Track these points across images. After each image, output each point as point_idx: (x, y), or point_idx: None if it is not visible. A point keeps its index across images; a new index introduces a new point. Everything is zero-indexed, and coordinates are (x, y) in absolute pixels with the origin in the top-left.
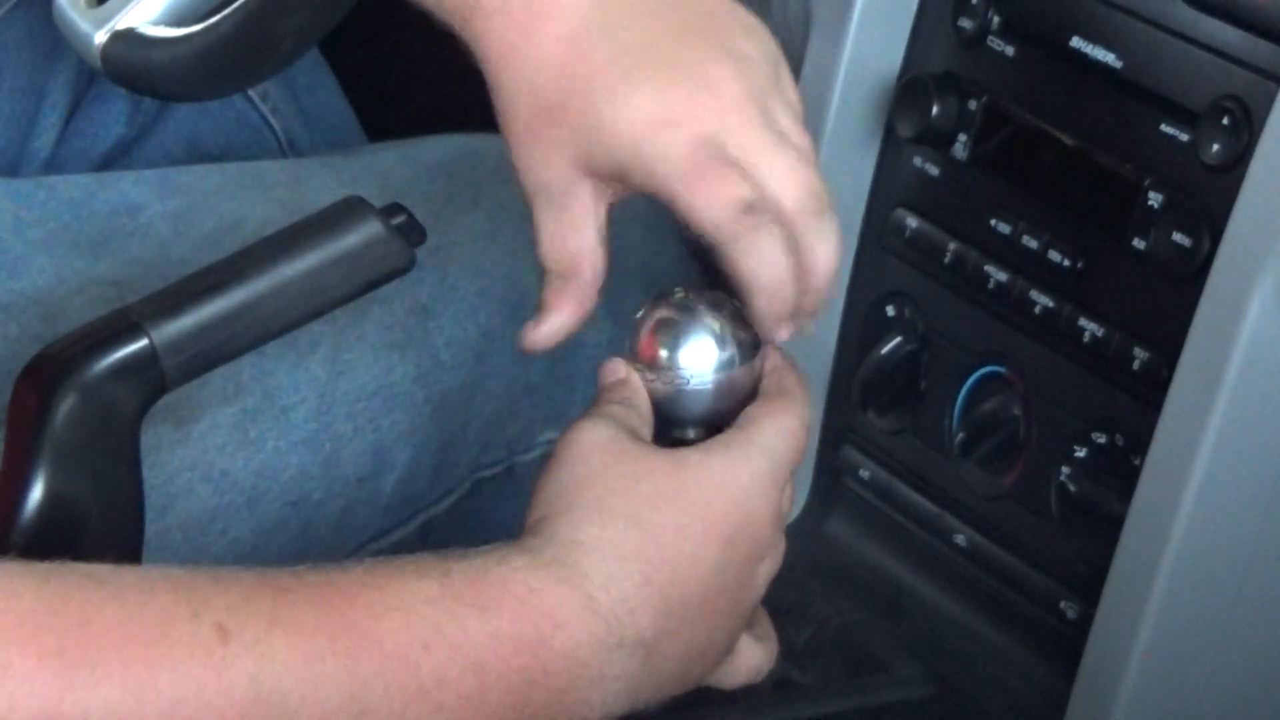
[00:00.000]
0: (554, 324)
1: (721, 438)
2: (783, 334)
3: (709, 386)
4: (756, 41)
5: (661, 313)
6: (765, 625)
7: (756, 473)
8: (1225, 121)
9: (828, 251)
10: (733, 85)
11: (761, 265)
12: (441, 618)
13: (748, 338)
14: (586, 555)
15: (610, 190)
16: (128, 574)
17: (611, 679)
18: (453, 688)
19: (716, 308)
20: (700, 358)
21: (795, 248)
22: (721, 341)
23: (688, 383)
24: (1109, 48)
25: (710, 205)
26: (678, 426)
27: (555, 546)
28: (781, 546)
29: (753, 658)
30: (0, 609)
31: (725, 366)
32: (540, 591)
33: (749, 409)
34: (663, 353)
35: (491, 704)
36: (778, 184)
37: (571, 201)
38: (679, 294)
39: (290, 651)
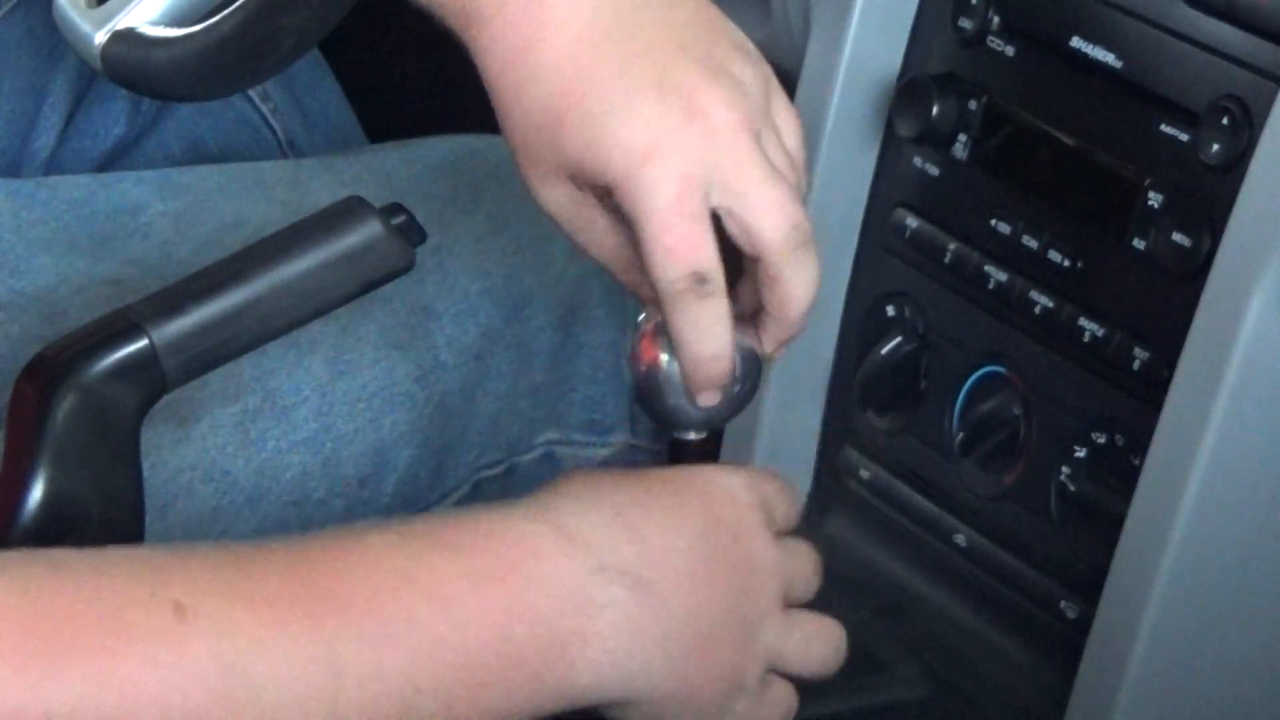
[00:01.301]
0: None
1: None
2: (708, 399)
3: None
4: (750, 65)
5: (661, 319)
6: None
7: (741, 483)
8: (1225, 121)
9: (806, 285)
10: (726, 113)
11: (698, 338)
12: (404, 562)
13: (747, 342)
14: (555, 497)
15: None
16: (85, 557)
17: (600, 605)
18: (425, 629)
19: None
20: None
21: (774, 280)
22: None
23: (686, 387)
24: (1109, 48)
25: (667, 264)
26: (678, 429)
27: (527, 499)
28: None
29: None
30: None
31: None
32: (510, 525)
33: None
34: (663, 356)
35: (471, 641)
36: (762, 220)
37: (591, 213)
38: None
39: (252, 622)
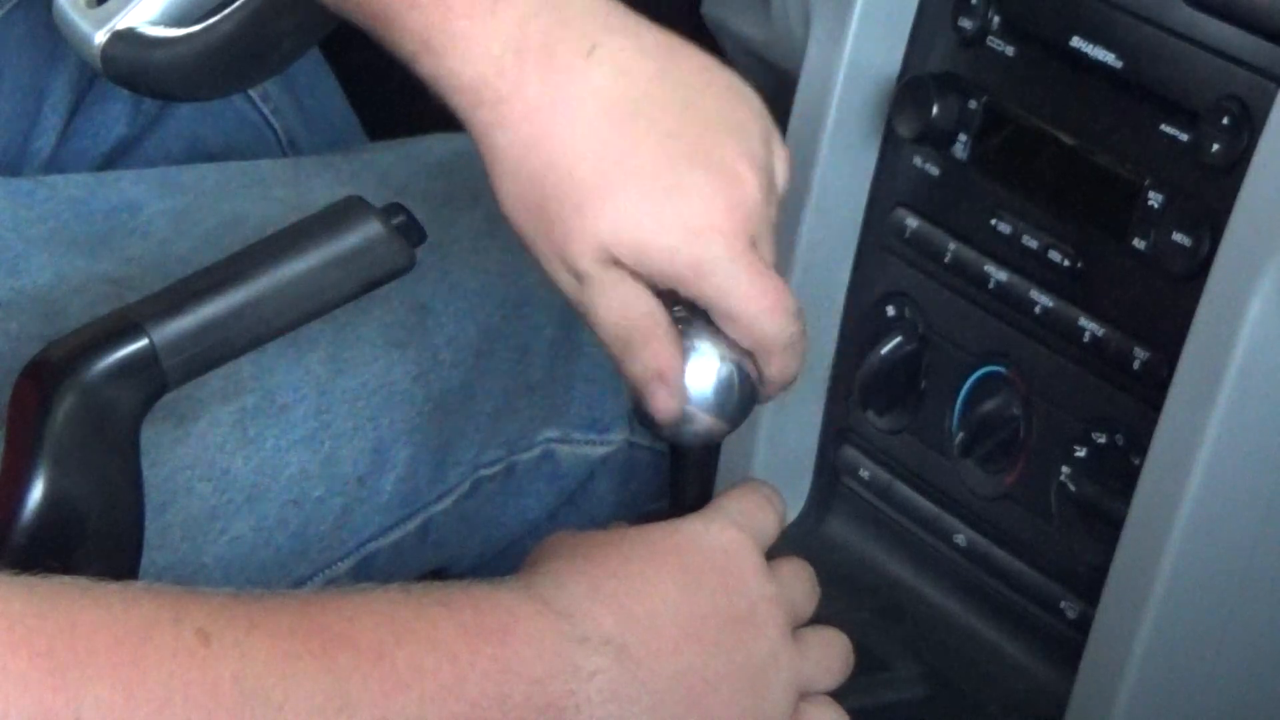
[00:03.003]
0: (671, 391)
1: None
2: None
3: (709, 400)
4: (753, 114)
5: None
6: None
7: (720, 526)
8: (1225, 121)
9: (795, 364)
10: (755, 181)
11: (798, 366)
12: (408, 614)
13: (743, 354)
14: (534, 572)
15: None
16: (110, 585)
17: (588, 673)
18: (431, 677)
19: (712, 324)
20: (700, 375)
21: (763, 360)
22: (719, 358)
23: (688, 399)
24: (1109, 48)
25: (776, 322)
26: (679, 442)
27: (509, 578)
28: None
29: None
30: None
31: (723, 382)
32: (496, 595)
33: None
34: None
35: (472, 692)
36: (760, 321)
37: (608, 272)
38: (678, 310)
39: (270, 651)
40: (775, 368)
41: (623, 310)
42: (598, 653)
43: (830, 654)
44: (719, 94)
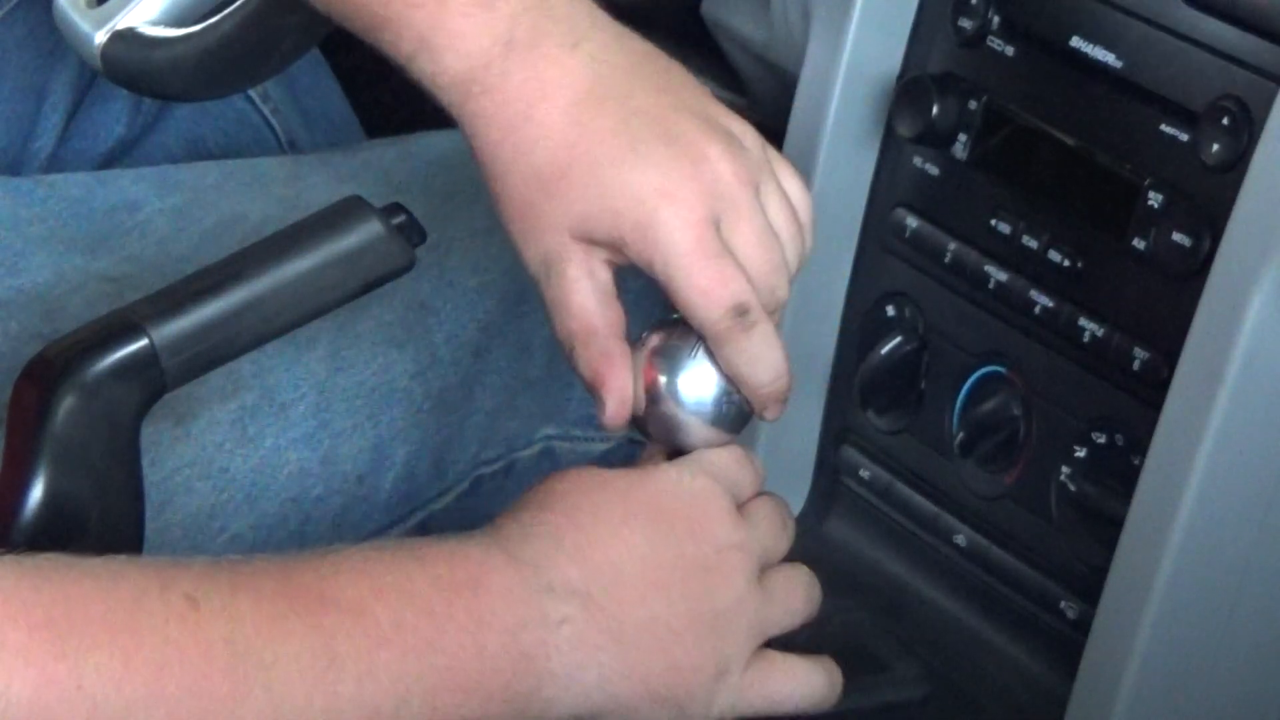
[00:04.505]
0: (612, 399)
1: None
2: (773, 414)
3: (706, 409)
4: (744, 123)
5: (661, 339)
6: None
7: (692, 474)
8: (1225, 121)
9: (755, 366)
10: (728, 164)
11: (754, 367)
12: (384, 569)
13: None
14: (502, 524)
15: (606, 255)
16: (94, 559)
17: (556, 621)
18: (411, 632)
19: None
20: (697, 384)
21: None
22: (716, 368)
23: (684, 407)
24: (1109, 48)
25: (708, 304)
26: (679, 449)
27: (480, 530)
28: (749, 556)
29: (800, 677)
30: None
31: (721, 392)
32: (465, 548)
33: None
34: (661, 378)
35: (450, 647)
36: (695, 301)
37: (568, 266)
38: (679, 318)
39: (256, 613)
40: (729, 364)
41: (572, 306)
42: (564, 601)
43: (793, 594)
44: (699, 94)
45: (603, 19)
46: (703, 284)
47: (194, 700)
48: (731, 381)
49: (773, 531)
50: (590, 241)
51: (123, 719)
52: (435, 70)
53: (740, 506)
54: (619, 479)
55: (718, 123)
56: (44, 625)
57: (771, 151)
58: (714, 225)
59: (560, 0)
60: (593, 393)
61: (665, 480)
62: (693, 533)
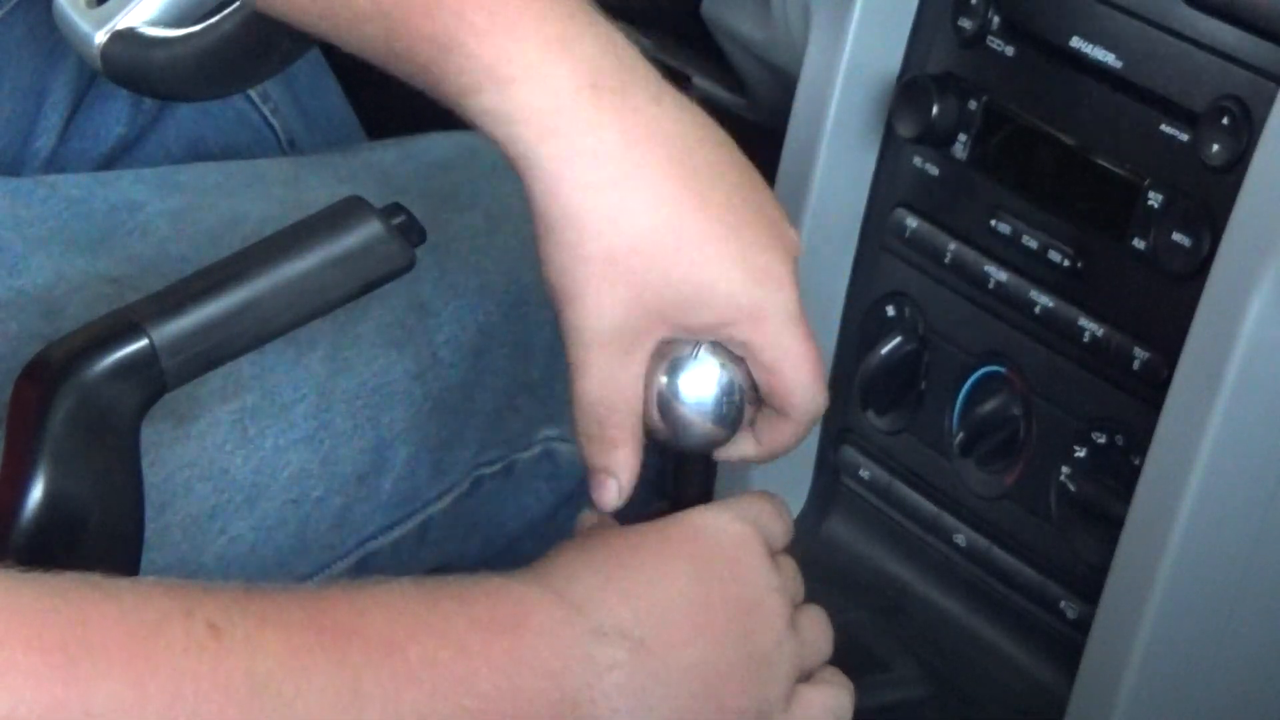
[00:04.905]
0: (622, 481)
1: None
2: None
3: (708, 408)
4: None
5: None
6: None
7: (730, 518)
8: (1225, 121)
9: (796, 440)
10: (795, 267)
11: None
12: (420, 608)
13: (741, 362)
14: (547, 565)
15: (667, 334)
16: (120, 580)
17: (604, 667)
18: (443, 670)
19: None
20: (699, 384)
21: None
22: (719, 365)
23: (686, 407)
24: (1109, 48)
25: (815, 389)
26: (679, 451)
27: (521, 570)
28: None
29: (832, 705)
30: (1, 610)
31: (723, 389)
32: (509, 587)
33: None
34: (662, 379)
35: (484, 686)
36: (800, 382)
37: (636, 347)
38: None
39: (281, 646)
40: (781, 435)
41: (622, 398)
42: (614, 645)
43: (819, 633)
44: (737, 152)
45: (657, 73)
46: (810, 368)
47: None
48: (742, 379)
49: (796, 578)
50: (672, 322)
51: None
52: (503, 105)
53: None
54: (655, 524)
55: (770, 193)
56: (57, 648)
57: None
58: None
59: (629, 49)
60: (594, 478)
61: (703, 523)
62: (735, 574)
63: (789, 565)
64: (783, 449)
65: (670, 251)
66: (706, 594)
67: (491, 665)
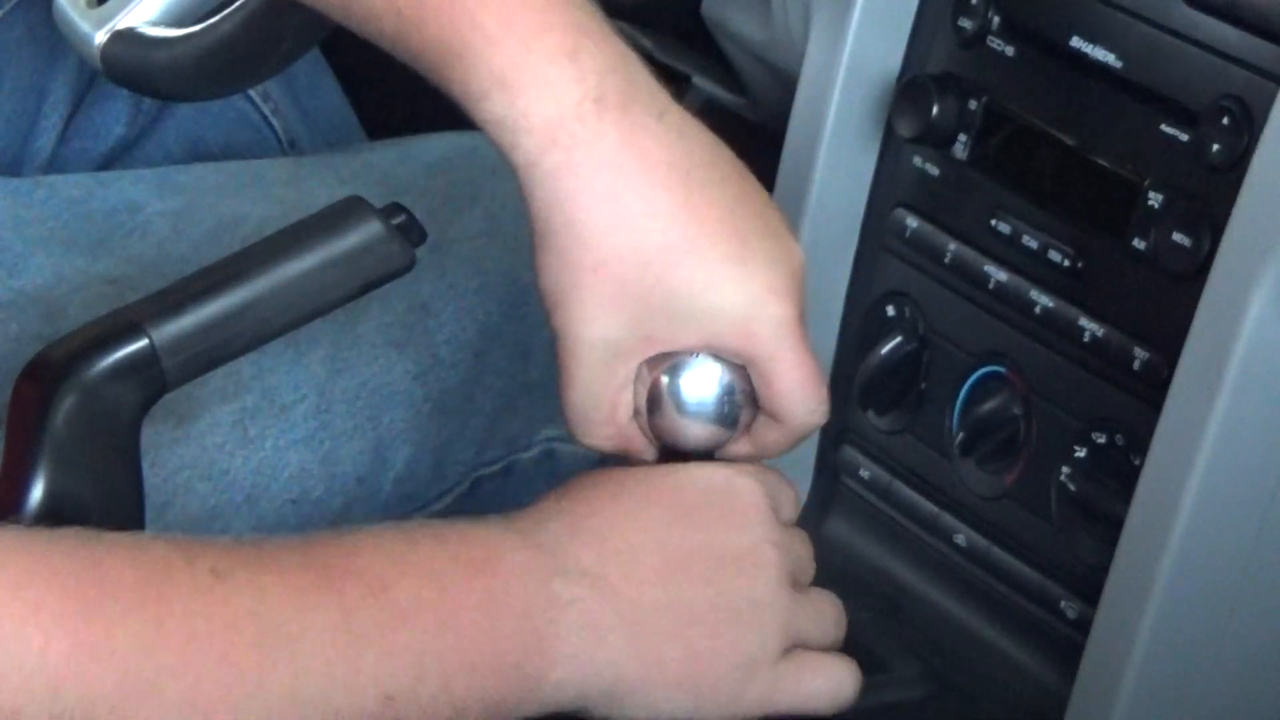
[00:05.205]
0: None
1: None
2: None
3: (708, 408)
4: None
5: None
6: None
7: (733, 471)
8: (1225, 121)
9: (786, 447)
10: (795, 281)
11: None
12: (403, 545)
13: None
14: (522, 513)
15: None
16: (118, 534)
17: (565, 602)
18: (428, 610)
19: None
20: (699, 384)
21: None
22: (719, 366)
23: (686, 406)
24: (1109, 48)
25: (808, 398)
26: (674, 452)
27: (494, 515)
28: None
29: (833, 674)
30: (18, 557)
31: (722, 390)
32: (481, 530)
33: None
34: (664, 379)
35: (465, 627)
36: (795, 394)
37: (622, 360)
38: None
39: (281, 587)
40: (775, 441)
41: (618, 415)
42: (574, 583)
43: (826, 613)
44: (741, 168)
45: (663, 88)
46: (806, 379)
47: (222, 670)
48: (741, 380)
49: (805, 553)
50: (662, 339)
51: (152, 685)
52: (509, 113)
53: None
54: (643, 471)
55: (776, 208)
56: (76, 590)
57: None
58: (802, 318)
59: (636, 65)
60: None
61: (694, 473)
62: (724, 522)
63: (799, 535)
64: (775, 453)
65: (663, 265)
66: (684, 538)
67: (470, 604)
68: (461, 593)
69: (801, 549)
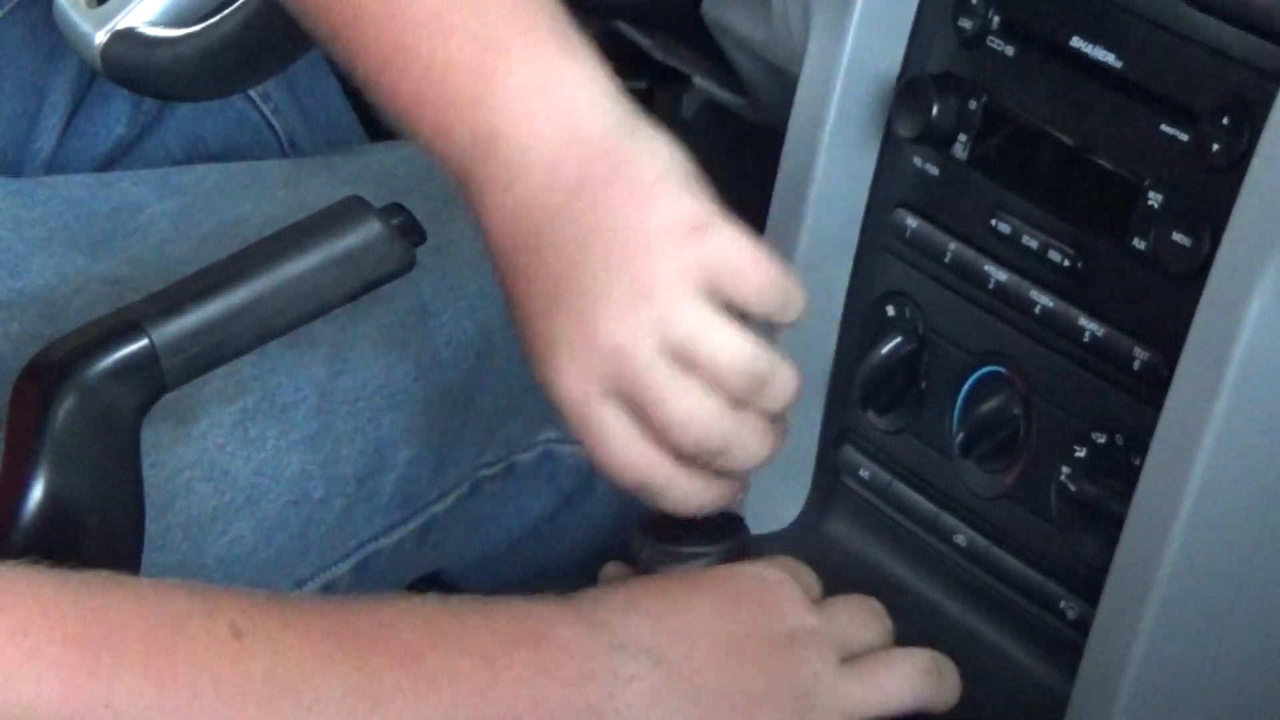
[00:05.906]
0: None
1: None
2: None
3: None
4: None
5: None
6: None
7: (763, 565)
8: (1225, 121)
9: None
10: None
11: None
12: (443, 620)
13: None
14: (574, 595)
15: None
16: (144, 579)
17: (626, 677)
18: (465, 679)
19: None
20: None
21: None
22: None
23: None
24: (1109, 48)
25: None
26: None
27: (548, 595)
28: (827, 640)
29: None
30: (26, 599)
31: None
32: (532, 606)
33: None
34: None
35: (505, 695)
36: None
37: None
38: None
39: (302, 649)
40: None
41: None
42: (635, 659)
43: (888, 677)
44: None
45: None
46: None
47: None
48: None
49: (856, 621)
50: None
51: None
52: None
53: (815, 603)
54: (684, 569)
55: None
56: (79, 639)
57: None
58: None
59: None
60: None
61: (734, 570)
62: (765, 611)
63: (846, 609)
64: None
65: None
66: (733, 624)
67: (513, 674)
68: (504, 663)
69: (849, 619)
